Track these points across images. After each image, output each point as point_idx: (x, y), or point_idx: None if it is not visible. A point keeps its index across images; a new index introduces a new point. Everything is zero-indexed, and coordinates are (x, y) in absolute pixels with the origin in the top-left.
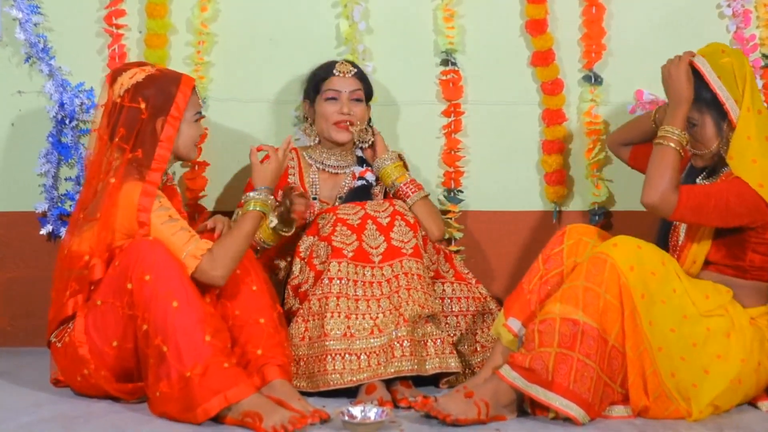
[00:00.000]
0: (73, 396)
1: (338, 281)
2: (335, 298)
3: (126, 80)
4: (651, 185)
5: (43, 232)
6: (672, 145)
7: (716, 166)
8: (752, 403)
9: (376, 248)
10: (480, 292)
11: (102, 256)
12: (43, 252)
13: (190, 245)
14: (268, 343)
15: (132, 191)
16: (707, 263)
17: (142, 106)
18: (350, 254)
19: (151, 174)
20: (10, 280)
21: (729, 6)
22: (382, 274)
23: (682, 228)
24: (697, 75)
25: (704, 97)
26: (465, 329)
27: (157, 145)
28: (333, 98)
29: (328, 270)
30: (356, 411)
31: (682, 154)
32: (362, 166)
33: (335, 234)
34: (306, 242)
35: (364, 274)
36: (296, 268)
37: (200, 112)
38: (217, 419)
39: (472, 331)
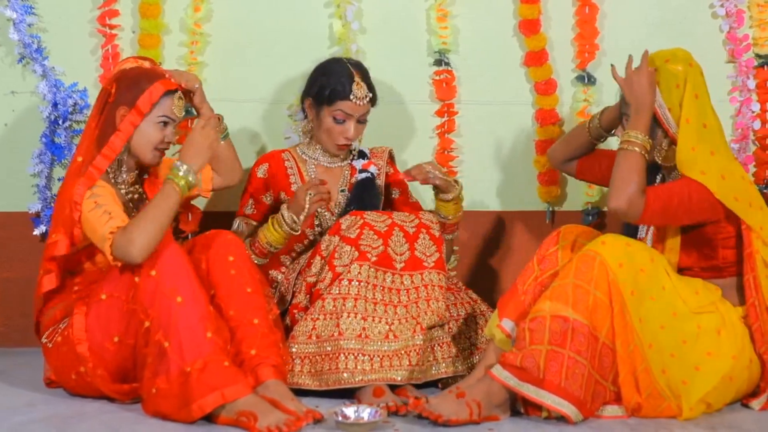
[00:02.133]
0: (67, 396)
1: (357, 284)
2: (353, 300)
3: (120, 66)
4: (618, 190)
5: (36, 232)
6: (636, 149)
7: (669, 172)
8: (744, 403)
9: (401, 255)
10: (470, 297)
11: (61, 231)
12: (37, 252)
13: (106, 226)
14: (263, 343)
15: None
16: (681, 270)
17: (113, 90)
18: (374, 258)
19: (99, 159)
20: (4, 280)
21: (722, 6)
22: (402, 282)
23: (649, 237)
24: None
25: None
26: (457, 332)
27: (114, 133)
28: (343, 120)
29: (349, 272)
30: (350, 411)
31: (647, 157)
32: (364, 158)
33: (362, 237)
34: (327, 242)
35: (384, 279)
36: (315, 267)
37: (169, 117)
38: (211, 418)
39: (465, 334)
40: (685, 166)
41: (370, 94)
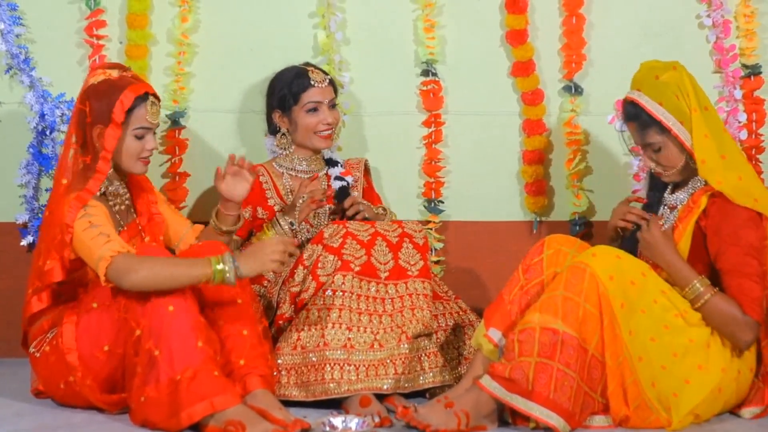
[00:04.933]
0: (55, 406)
1: (341, 294)
2: (338, 310)
3: (89, 80)
4: (734, 337)
5: (23, 243)
6: (707, 296)
7: (687, 181)
8: (733, 412)
9: (384, 264)
10: (459, 306)
11: (55, 257)
12: (24, 263)
13: (104, 248)
14: (251, 354)
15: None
16: None
17: (87, 109)
18: (357, 268)
19: (91, 183)
20: None
21: (709, 16)
22: (386, 291)
23: None
24: (641, 107)
25: (656, 123)
26: (445, 342)
27: (99, 155)
28: (314, 109)
29: (332, 282)
30: (337, 421)
31: (716, 291)
32: (336, 166)
33: (345, 247)
34: (310, 251)
35: (368, 289)
36: (298, 277)
37: (145, 127)
38: (199, 428)
39: (454, 344)
40: (705, 155)
41: (329, 77)
